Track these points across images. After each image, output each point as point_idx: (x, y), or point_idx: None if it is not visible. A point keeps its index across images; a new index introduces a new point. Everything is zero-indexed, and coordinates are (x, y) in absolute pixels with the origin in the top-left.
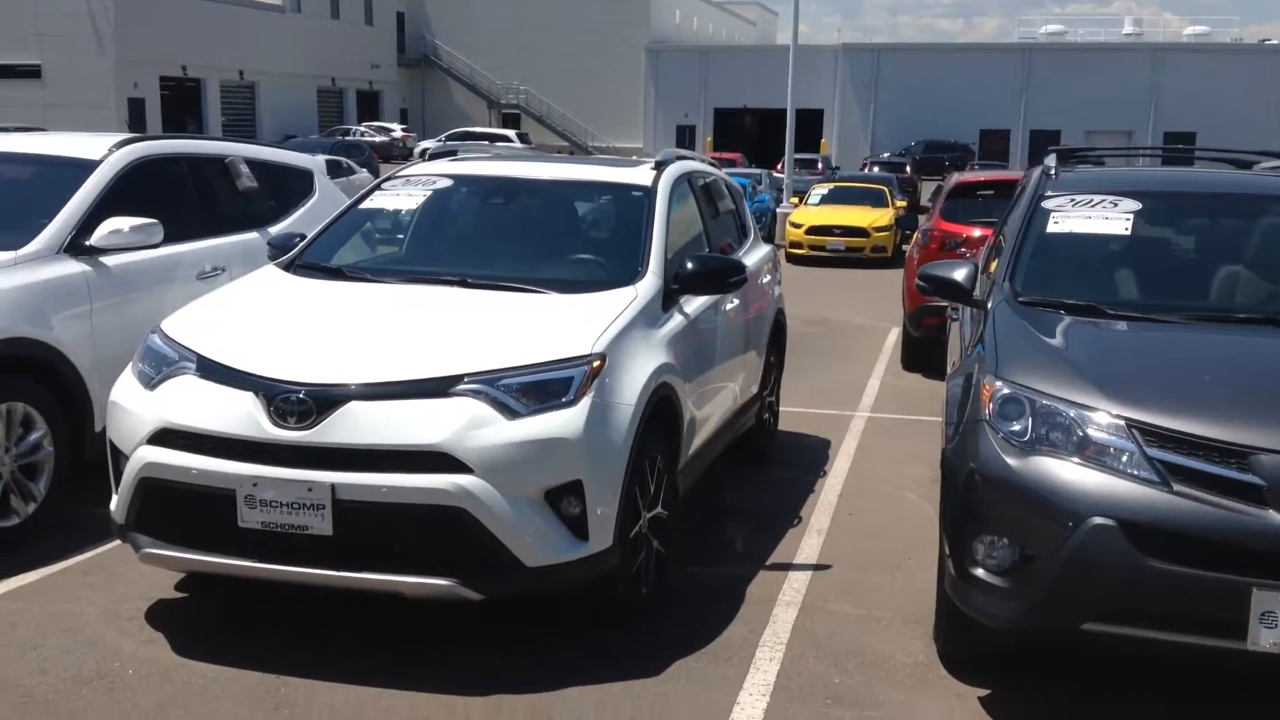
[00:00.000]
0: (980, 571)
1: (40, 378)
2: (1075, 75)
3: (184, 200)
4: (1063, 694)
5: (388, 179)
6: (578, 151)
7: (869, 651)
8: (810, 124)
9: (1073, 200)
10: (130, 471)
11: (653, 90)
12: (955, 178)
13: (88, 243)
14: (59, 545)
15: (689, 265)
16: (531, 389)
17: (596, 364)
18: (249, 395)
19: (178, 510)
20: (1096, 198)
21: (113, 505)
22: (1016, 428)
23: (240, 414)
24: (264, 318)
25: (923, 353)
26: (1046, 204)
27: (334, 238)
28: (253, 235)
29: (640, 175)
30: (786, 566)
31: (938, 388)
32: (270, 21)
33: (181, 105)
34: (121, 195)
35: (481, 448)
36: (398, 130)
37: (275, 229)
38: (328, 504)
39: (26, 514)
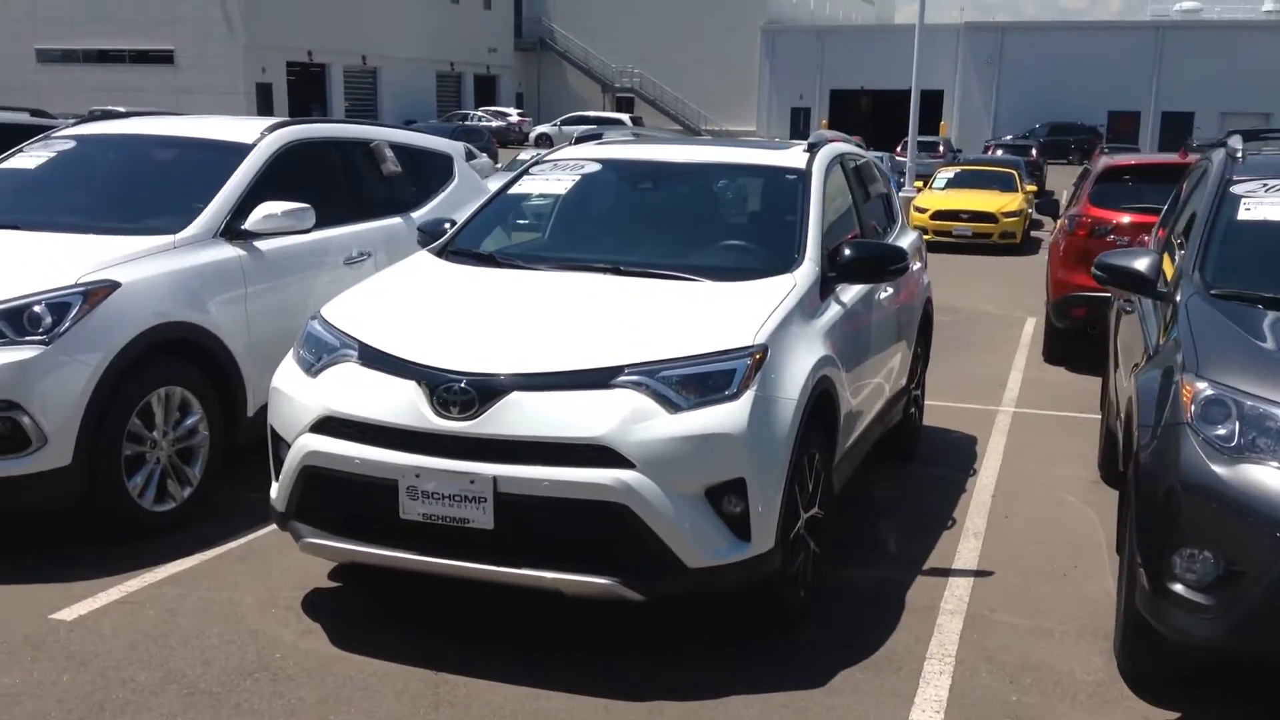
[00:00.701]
0: (1179, 587)
1: (196, 362)
2: (1211, 54)
3: (332, 185)
4: (1258, 718)
5: (534, 163)
6: (690, 135)
7: (1044, 667)
8: (930, 105)
9: (1265, 185)
10: (292, 459)
11: (768, 72)
12: (1103, 161)
13: (243, 227)
14: (214, 530)
15: (847, 252)
16: (692, 381)
17: (758, 356)
18: (411, 384)
19: (339, 500)
20: None
21: (273, 493)
22: (1222, 432)
23: (403, 403)
24: (422, 305)
25: (1066, 345)
26: (1235, 189)
27: (483, 223)
28: (396, 220)
29: (794, 158)
30: (946, 572)
31: (1084, 382)
32: (393, 6)
33: (307, 90)
34: (274, 179)
35: (643, 442)
36: (514, 115)
37: (418, 214)
38: (489, 497)
39: (182, 498)
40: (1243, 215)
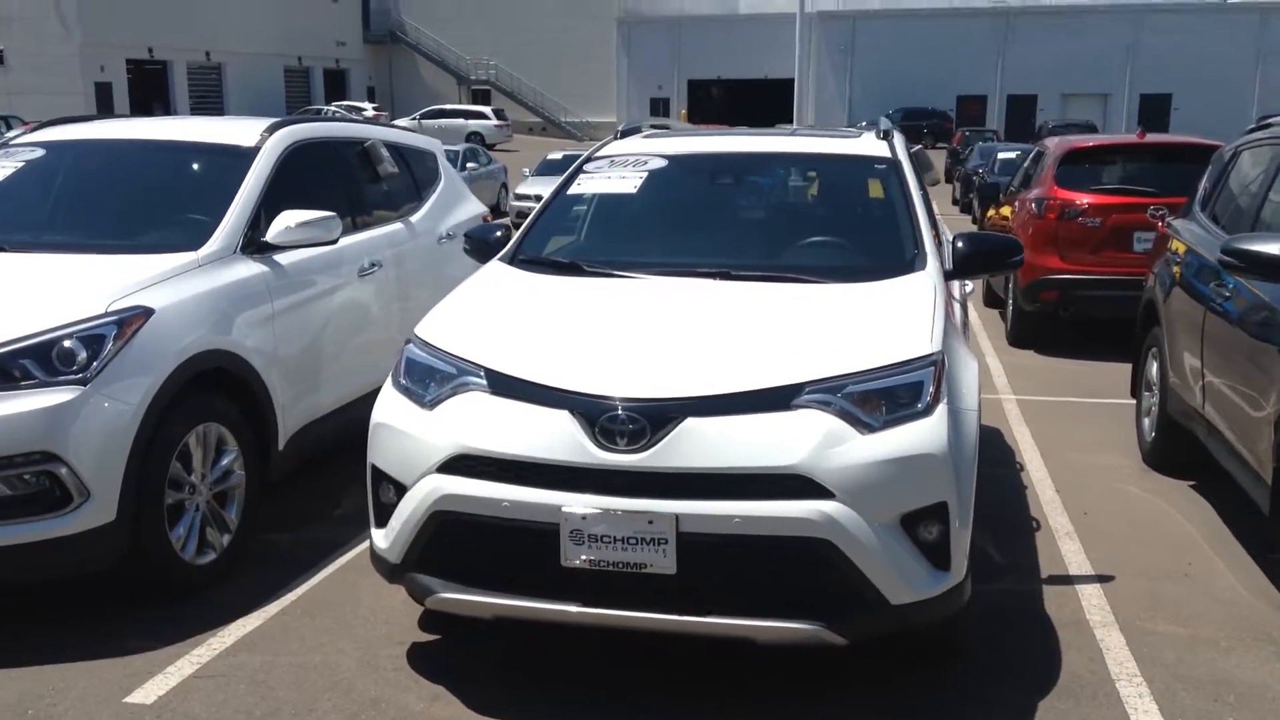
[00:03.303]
0: None
1: (230, 394)
2: (1052, 39)
3: (336, 190)
4: None
5: (588, 160)
6: (551, 128)
7: (1236, 681)
8: (783, 94)
9: None
10: (415, 504)
11: (625, 63)
12: (1064, 143)
13: (265, 240)
14: (263, 582)
15: (960, 245)
16: (878, 397)
17: (940, 364)
18: (564, 414)
19: (481, 548)
20: None
21: (379, 542)
22: None
23: (558, 436)
24: (537, 322)
25: (1034, 328)
26: None
27: (546, 228)
28: (399, 227)
29: (875, 146)
30: (1067, 579)
31: (1065, 365)
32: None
33: (148, 89)
34: (282, 186)
35: (842, 468)
36: (369, 109)
37: (416, 218)
38: (670, 538)
39: (223, 547)
40: None
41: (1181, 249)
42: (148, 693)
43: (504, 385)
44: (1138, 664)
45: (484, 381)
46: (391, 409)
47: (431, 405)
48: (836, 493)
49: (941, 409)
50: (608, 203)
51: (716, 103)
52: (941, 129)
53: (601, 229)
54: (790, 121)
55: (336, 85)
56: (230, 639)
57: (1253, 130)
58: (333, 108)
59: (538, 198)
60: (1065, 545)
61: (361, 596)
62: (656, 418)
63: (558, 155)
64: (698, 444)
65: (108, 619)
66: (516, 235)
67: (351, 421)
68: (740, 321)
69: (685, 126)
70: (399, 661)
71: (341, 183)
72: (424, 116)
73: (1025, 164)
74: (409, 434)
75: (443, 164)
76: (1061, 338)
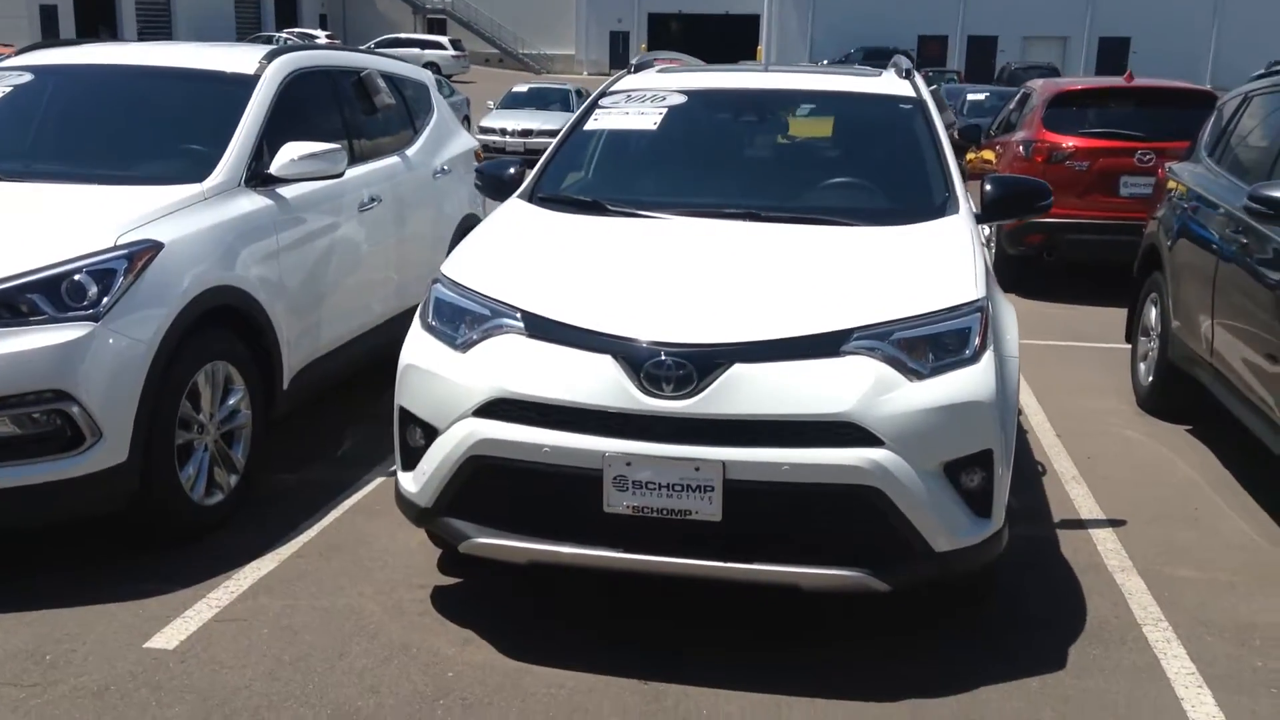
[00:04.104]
0: None
1: (238, 332)
2: None
3: (336, 121)
4: None
5: (603, 94)
6: (508, 60)
7: (1258, 625)
8: (744, 30)
9: None
10: (451, 448)
11: None
12: (1052, 86)
13: (269, 172)
14: (272, 523)
15: (989, 188)
16: (926, 343)
17: (985, 310)
18: (607, 359)
19: (520, 494)
20: None
21: (409, 485)
22: None
23: (602, 381)
24: (569, 263)
25: (1018, 271)
26: None
27: (563, 164)
28: (395, 160)
29: (898, 85)
30: (1080, 524)
31: (1046, 309)
32: None
33: (94, 12)
34: (283, 116)
35: (892, 415)
36: (322, 37)
37: (412, 151)
38: (718, 485)
39: (230, 488)
40: None
41: (1187, 194)
42: (168, 638)
43: (542, 328)
44: (1160, 608)
45: (520, 324)
46: (421, 350)
47: (465, 348)
48: (886, 440)
49: (988, 356)
50: (618, 139)
51: (676, 37)
52: None
53: (617, 166)
54: (753, 59)
55: (288, 11)
56: (246, 582)
57: (1263, 75)
58: (284, 35)
59: (503, 130)
60: (1073, 490)
61: (374, 539)
62: (704, 364)
63: (523, 88)
64: (746, 391)
65: (117, 562)
66: (534, 172)
67: (351, 359)
68: (779, 265)
69: (695, 62)
70: (424, 605)
71: (340, 114)
72: (379, 46)
73: (1009, 107)
74: (442, 376)
75: (435, 95)
76: (1042, 282)
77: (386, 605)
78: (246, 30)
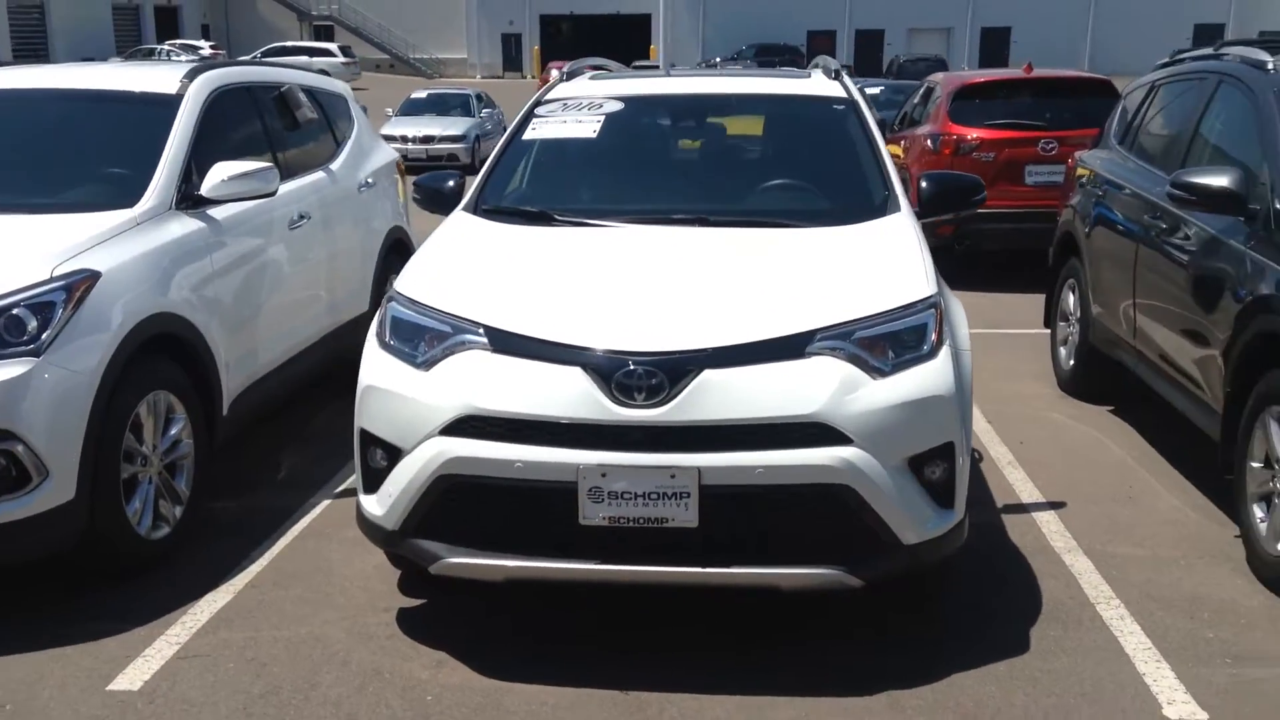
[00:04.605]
0: None
1: (175, 358)
2: None
3: (262, 138)
4: None
5: (538, 103)
6: (399, 65)
7: (1204, 598)
8: (636, 30)
9: None
10: (418, 468)
11: None
12: (955, 79)
13: (200, 193)
14: (218, 554)
15: (926, 185)
16: (885, 341)
17: (939, 306)
18: (577, 371)
19: (492, 511)
20: None
21: (374, 509)
22: None
23: (573, 393)
24: (526, 276)
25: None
26: None
27: (504, 175)
28: (321, 176)
29: (830, 86)
30: (1022, 508)
31: (962, 298)
32: None
33: None
34: (208, 136)
35: (859, 414)
36: (206, 48)
37: (336, 165)
38: (694, 491)
39: (175, 519)
40: None
41: (1101, 181)
42: (131, 678)
43: (508, 343)
44: (1110, 587)
45: (484, 340)
46: (381, 370)
47: (427, 366)
48: (855, 438)
49: (945, 351)
50: (558, 147)
51: (568, 39)
52: (794, 64)
53: (560, 175)
54: (646, 58)
55: (169, 23)
56: (204, 616)
57: (1166, 64)
58: (167, 47)
59: (404, 138)
60: (1011, 475)
61: (330, 564)
62: (674, 371)
63: (422, 94)
64: (717, 396)
65: (67, 603)
66: (475, 184)
67: (287, 380)
68: (736, 269)
69: (623, 69)
70: (391, 629)
71: (265, 130)
72: (265, 55)
73: (913, 100)
74: (405, 396)
75: (354, 107)
76: (955, 272)
77: (352, 631)
78: (126, 44)
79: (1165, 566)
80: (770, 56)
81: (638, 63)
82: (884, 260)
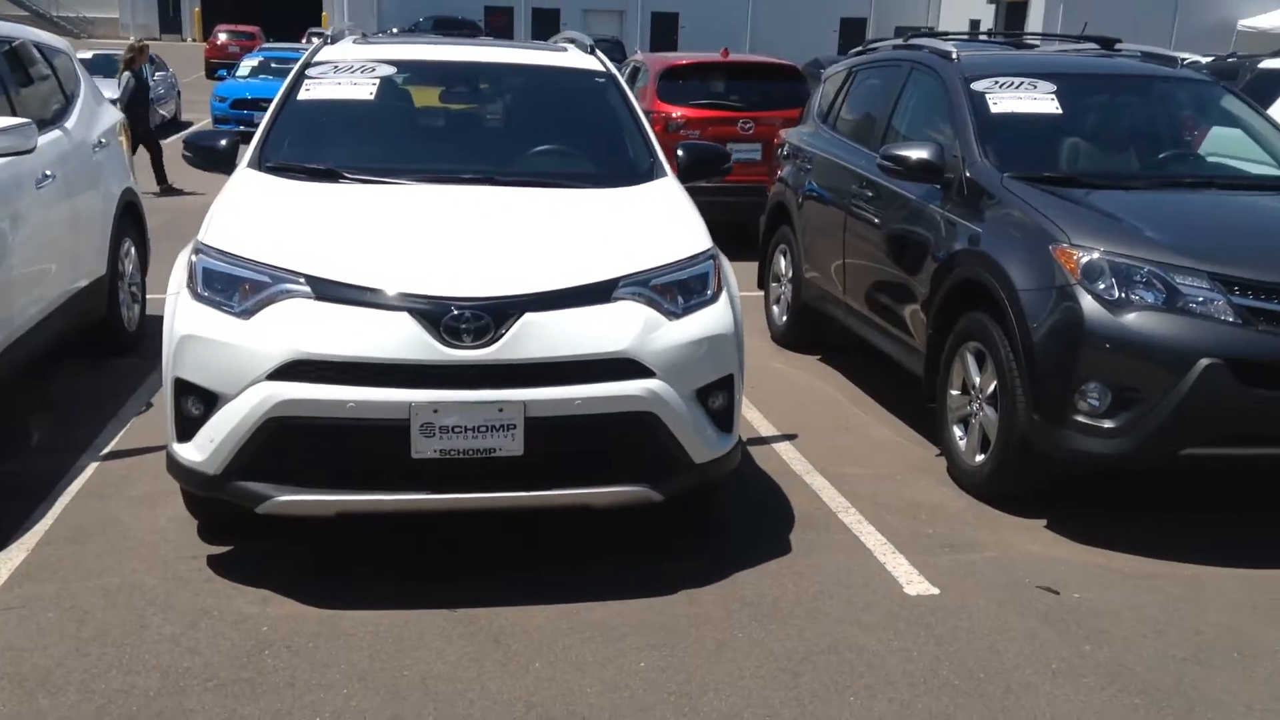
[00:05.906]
0: (1081, 416)
1: None
2: None
3: (0, 94)
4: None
5: (308, 65)
6: (41, 23)
7: (921, 503)
8: None
9: (997, 83)
10: (246, 413)
11: None
12: (661, 60)
13: None
14: None
15: (683, 154)
16: (676, 287)
17: (717, 258)
18: (404, 315)
19: (323, 449)
20: (1015, 80)
21: (193, 455)
22: (1102, 286)
23: (403, 336)
24: (335, 229)
25: None
26: (976, 86)
27: (283, 134)
28: (58, 134)
29: (589, 60)
30: (763, 440)
31: None
32: None
33: None
34: None
35: (659, 350)
36: None
37: (70, 125)
38: (519, 423)
39: None
40: (994, 109)
41: (808, 156)
42: None
43: (333, 291)
44: (847, 499)
45: (306, 288)
46: (198, 320)
47: (247, 315)
48: (657, 371)
49: (724, 296)
50: (334, 108)
51: (232, 1)
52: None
53: (341, 134)
54: (319, 25)
55: None
56: (1, 574)
57: (861, 52)
58: None
59: None
60: (749, 414)
61: (119, 520)
62: (499, 314)
63: (87, 54)
64: (538, 336)
65: None
66: (254, 142)
67: (36, 345)
68: (534, 223)
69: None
70: (206, 574)
71: (3, 86)
72: None
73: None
74: (227, 343)
75: (78, 65)
76: None
77: (167, 577)
78: None
79: (885, 481)
80: (450, 30)
81: (312, 29)
82: (664, 218)
